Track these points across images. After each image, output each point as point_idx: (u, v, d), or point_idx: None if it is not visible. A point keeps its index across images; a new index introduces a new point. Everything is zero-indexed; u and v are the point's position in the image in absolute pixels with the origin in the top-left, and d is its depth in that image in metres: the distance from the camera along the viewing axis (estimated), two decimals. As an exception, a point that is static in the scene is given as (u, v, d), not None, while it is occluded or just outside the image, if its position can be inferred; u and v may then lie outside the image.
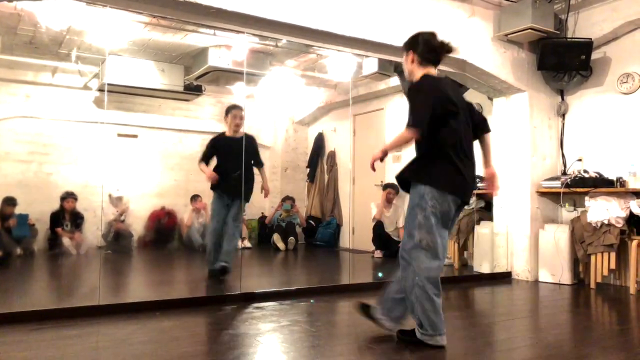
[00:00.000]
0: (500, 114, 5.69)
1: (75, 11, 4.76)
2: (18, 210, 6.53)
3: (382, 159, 2.92)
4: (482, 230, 5.76)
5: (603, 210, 4.78)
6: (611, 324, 3.90)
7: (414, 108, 2.83)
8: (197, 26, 5.08)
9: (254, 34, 4.38)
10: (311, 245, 8.31)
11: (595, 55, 5.24)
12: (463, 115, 2.93)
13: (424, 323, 2.83)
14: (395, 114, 7.28)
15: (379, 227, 7.05)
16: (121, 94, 7.17)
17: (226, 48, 6.11)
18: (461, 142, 2.89)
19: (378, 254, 7.02)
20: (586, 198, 4.97)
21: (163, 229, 7.62)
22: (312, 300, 4.22)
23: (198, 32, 5.67)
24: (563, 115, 5.63)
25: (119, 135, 7.54)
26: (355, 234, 7.83)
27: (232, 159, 4.85)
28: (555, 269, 5.16)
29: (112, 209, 7.09)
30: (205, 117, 8.30)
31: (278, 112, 8.88)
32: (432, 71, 2.96)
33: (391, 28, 4.59)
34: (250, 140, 5.04)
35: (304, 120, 9.11)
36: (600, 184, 4.95)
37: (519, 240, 5.48)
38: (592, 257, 4.91)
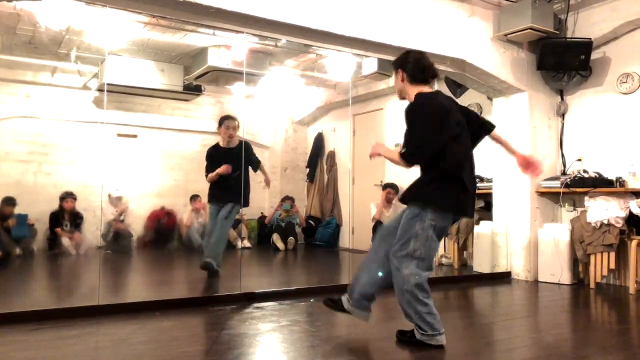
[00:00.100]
0: (500, 114, 5.69)
1: (74, 11, 4.76)
2: (17, 210, 6.53)
3: (380, 155, 2.98)
4: (481, 230, 5.76)
5: (602, 210, 4.78)
6: (611, 324, 3.90)
7: (414, 137, 2.82)
8: (197, 26, 5.08)
9: (253, 34, 4.37)
10: (311, 245, 8.31)
11: (594, 55, 5.24)
12: (461, 125, 2.92)
13: (421, 325, 2.84)
14: (394, 114, 7.28)
15: (378, 227, 7.04)
16: (121, 94, 7.16)
17: (225, 48, 6.10)
18: (464, 154, 2.90)
19: (378, 253, 7.01)
20: (586, 198, 4.98)
21: (162, 229, 7.61)
22: (311, 300, 4.22)
23: (197, 32, 5.66)
24: (563, 115, 5.63)
25: (119, 135, 7.53)
26: (355, 233, 7.82)
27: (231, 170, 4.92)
28: (555, 269, 5.16)
29: (112, 209, 7.09)
30: (205, 117, 8.29)
31: (277, 112, 8.88)
32: (425, 89, 2.92)
33: (391, 28, 4.59)
34: (246, 148, 5.09)
35: (304, 120, 9.11)
36: (599, 184, 4.95)
37: (518, 240, 5.48)
38: (592, 257, 4.91)
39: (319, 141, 8.84)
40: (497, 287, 5.12)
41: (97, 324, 3.34)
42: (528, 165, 3.14)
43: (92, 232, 6.98)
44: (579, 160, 5.42)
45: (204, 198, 7.35)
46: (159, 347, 2.93)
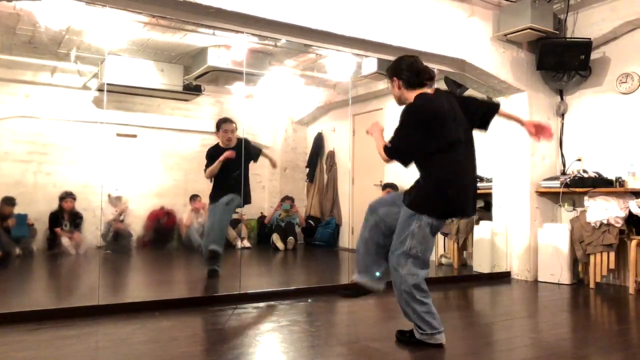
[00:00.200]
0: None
1: (74, 11, 4.76)
2: (17, 210, 6.53)
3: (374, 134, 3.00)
4: (481, 230, 5.76)
5: (602, 210, 4.78)
6: (610, 324, 3.90)
7: (400, 136, 2.85)
8: (197, 26, 5.07)
9: (253, 34, 4.37)
10: (310, 245, 8.31)
11: (594, 55, 5.25)
12: (462, 125, 2.91)
13: (420, 324, 2.85)
14: (394, 113, 7.26)
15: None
16: (120, 94, 7.16)
17: (225, 48, 6.10)
18: (463, 157, 2.89)
19: (377, 253, 7.01)
20: (585, 198, 4.98)
21: (162, 228, 7.61)
22: (309, 300, 4.22)
23: (197, 32, 5.66)
24: (562, 115, 5.63)
25: (118, 135, 7.53)
26: (355, 234, 7.82)
27: (229, 168, 4.93)
28: (555, 269, 5.16)
29: (111, 209, 7.09)
30: (205, 117, 8.29)
31: (277, 112, 8.88)
32: (424, 90, 2.90)
33: (390, 28, 4.59)
34: (245, 144, 5.08)
35: (303, 120, 9.10)
36: (599, 184, 4.95)
37: (518, 240, 5.48)
38: (592, 257, 4.91)
39: (319, 141, 8.84)
40: (496, 287, 5.12)
41: (96, 324, 3.34)
42: (538, 130, 3.09)
43: (92, 232, 6.98)
44: (579, 160, 5.43)
45: (204, 198, 7.39)
46: (158, 347, 2.93)
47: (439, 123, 2.79)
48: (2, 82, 6.95)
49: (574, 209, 5.40)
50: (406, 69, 2.91)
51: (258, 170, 8.10)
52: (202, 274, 5.13)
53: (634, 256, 4.60)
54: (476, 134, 3.08)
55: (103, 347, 2.95)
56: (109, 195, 7.11)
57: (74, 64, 6.59)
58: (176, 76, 6.88)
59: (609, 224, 4.75)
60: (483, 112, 3.07)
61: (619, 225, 4.71)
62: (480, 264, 5.70)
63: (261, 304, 3.97)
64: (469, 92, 5.86)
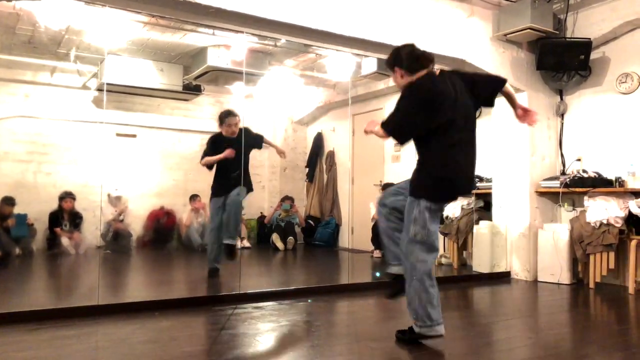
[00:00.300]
0: (500, 114, 5.69)
1: (74, 11, 4.75)
2: (17, 210, 6.53)
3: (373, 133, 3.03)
4: (481, 230, 5.76)
5: (602, 210, 4.79)
6: (610, 324, 3.90)
7: (396, 113, 2.90)
8: (196, 26, 5.08)
9: (253, 34, 4.38)
10: (310, 245, 8.31)
11: (594, 55, 5.25)
12: (463, 107, 2.94)
13: (421, 314, 2.88)
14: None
15: (378, 227, 7.04)
16: (120, 94, 7.16)
17: (225, 48, 6.10)
18: (460, 140, 2.93)
19: (377, 253, 7.02)
20: (585, 198, 4.98)
21: (162, 228, 7.61)
22: (309, 300, 4.22)
23: (197, 32, 5.66)
24: (562, 115, 5.64)
25: (118, 135, 7.53)
26: (354, 233, 7.83)
27: (231, 162, 4.89)
28: (554, 269, 5.16)
29: (111, 209, 7.09)
30: (204, 116, 8.28)
31: (277, 112, 8.87)
32: (422, 73, 2.94)
33: (390, 28, 4.59)
34: (246, 133, 5.06)
35: (303, 120, 9.10)
36: (599, 184, 4.95)
37: (518, 239, 5.48)
38: (591, 257, 4.91)
39: (319, 141, 8.84)
40: (496, 287, 5.12)
41: (96, 324, 3.34)
42: (525, 115, 3.15)
43: (92, 231, 6.97)
44: (579, 160, 5.43)
45: (204, 198, 7.39)
46: (158, 347, 2.93)
47: (438, 102, 2.84)
48: (1, 82, 6.95)
49: (573, 209, 5.39)
50: (405, 56, 2.96)
51: (258, 170, 8.10)
52: (202, 274, 5.13)
53: (633, 256, 4.60)
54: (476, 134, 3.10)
55: (103, 347, 2.95)
56: (109, 195, 7.11)
57: (73, 63, 6.58)
58: (176, 76, 6.87)
59: (608, 224, 4.75)
60: (490, 91, 3.11)
61: (618, 225, 4.71)
62: (480, 264, 5.70)
63: (261, 304, 3.97)
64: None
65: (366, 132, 3.07)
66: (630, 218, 4.72)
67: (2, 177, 6.88)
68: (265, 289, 4.49)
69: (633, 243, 4.62)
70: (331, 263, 7.08)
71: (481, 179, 5.90)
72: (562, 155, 5.60)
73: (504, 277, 5.47)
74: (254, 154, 5.34)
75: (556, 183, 5.26)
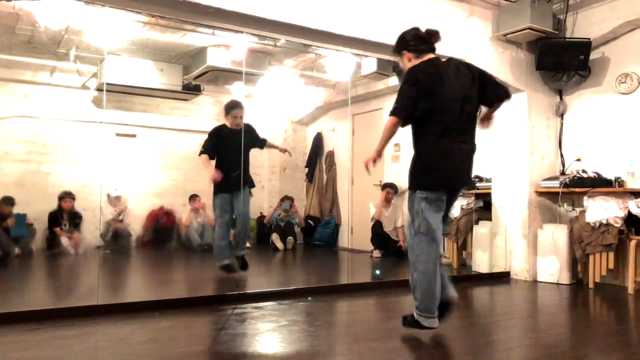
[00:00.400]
0: (499, 114, 5.68)
1: (73, 10, 4.75)
2: (16, 209, 6.52)
3: (375, 160, 3.03)
4: (480, 229, 5.76)
5: (601, 210, 4.79)
6: (609, 324, 3.90)
7: (399, 93, 2.97)
8: (196, 26, 5.08)
9: (252, 34, 4.38)
10: (310, 245, 8.31)
11: (593, 55, 5.25)
12: (460, 97, 2.97)
13: (420, 305, 2.96)
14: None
15: (377, 227, 7.05)
16: (120, 94, 7.16)
17: (225, 48, 6.10)
18: (453, 129, 2.96)
19: (377, 253, 7.03)
20: (585, 198, 4.98)
21: (161, 228, 7.61)
22: (309, 298, 4.23)
23: (197, 32, 5.66)
24: (562, 115, 5.64)
25: (118, 134, 7.53)
26: (354, 233, 7.83)
27: (235, 150, 4.86)
28: (554, 269, 5.16)
29: (111, 209, 7.08)
30: (204, 116, 8.28)
31: (277, 112, 8.88)
32: (430, 56, 3.03)
33: (390, 28, 4.57)
34: (248, 130, 5.06)
35: (303, 120, 9.10)
36: (598, 184, 4.95)
37: (517, 239, 5.48)
38: (591, 257, 4.91)
39: (318, 141, 8.84)
40: (496, 287, 5.12)
41: (96, 324, 3.34)
42: (486, 122, 3.24)
43: (91, 231, 6.97)
44: (578, 160, 5.43)
45: (203, 198, 7.40)
46: (158, 347, 2.93)
47: (431, 84, 2.90)
48: (1, 81, 6.95)
49: (573, 209, 5.40)
50: (412, 39, 3.05)
51: (258, 170, 8.10)
52: (201, 274, 5.13)
53: (633, 256, 4.61)
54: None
55: (102, 347, 2.95)
56: (108, 195, 7.10)
57: (73, 63, 6.58)
58: (175, 76, 6.87)
59: (608, 224, 4.75)
60: (495, 97, 3.17)
61: (618, 225, 4.71)
62: (480, 264, 5.71)
63: (260, 304, 3.97)
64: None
65: (366, 165, 3.05)
66: (630, 218, 4.72)
67: (2, 177, 6.88)
68: (265, 289, 4.49)
69: (632, 243, 4.62)
70: (331, 263, 7.09)
71: (481, 179, 5.90)
72: (561, 155, 5.61)
73: (503, 277, 5.48)
74: (254, 153, 5.34)
75: (556, 183, 5.27)
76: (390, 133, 2.97)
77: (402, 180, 6.87)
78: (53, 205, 6.90)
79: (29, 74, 7.10)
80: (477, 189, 5.87)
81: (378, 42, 4.58)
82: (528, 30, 5.00)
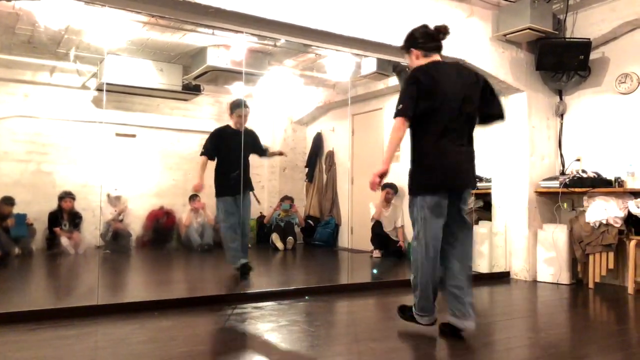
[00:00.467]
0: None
1: (73, 10, 4.75)
2: (16, 209, 6.53)
3: (383, 176, 3.00)
4: (480, 229, 5.76)
5: (601, 210, 4.79)
6: (609, 324, 3.90)
7: (401, 93, 2.98)
8: (196, 26, 5.08)
9: (252, 34, 4.37)
10: (310, 245, 8.31)
11: (593, 55, 5.25)
12: (458, 100, 2.97)
13: (417, 304, 3.04)
14: (393, 113, 7.27)
15: (377, 227, 7.05)
16: (119, 94, 7.16)
17: (225, 48, 6.10)
18: (451, 129, 2.96)
19: (377, 253, 7.03)
20: (584, 198, 4.98)
21: (161, 228, 7.61)
22: (306, 297, 4.23)
23: (197, 32, 5.66)
24: (561, 115, 5.64)
25: (117, 134, 7.53)
26: (354, 233, 7.83)
27: (237, 152, 4.87)
28: (554, 269, 5.16)
29: (111, 209, 7.09)
30: (204, 116, 8.29)
31: (276, 112, 8.88)
32: (435, 58, 3.05)
33: (390, 28, 4.59)
34: (251, 134, 5.07)
35: (303, 120, 9.10)
36: (598, 184, 4.95)
37: (517, 240, 5.48)
38: (591, 257, 4.91)
39: (318, 141, 8.84)
40: (495, 287, 5.12)
41: (95, 324, 3.34)
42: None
43: (91, 231, 6.97)
44: (578, 160, 5.43)
45: (203, 198, 7.40)
46: (157, 347, 2.93)
47: (434, 84, 2.91)
48: (1, 81, 6.95)
49: (573, 209, 5.40)
50: (420, 37, 3.06)
51: (257, 170, 8.11)
52: (201, 274, 5.13)
53: (633, 256, 4.61)
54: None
55: (102, 347, 2.94)
56: (108, 195, 7.11)
57: (73, 63, 6.58)
58: (175, 76, 6.87)
59: (608, 224, 4.76)
60: (488, 113, 3.14)
61: (618, 225, 4.71)
62: (480, 264, 5.70)
63: (260, 304, 3.97)
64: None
65: (372, 186, 3.04)
66: (630, 218, 4.72)
67: (2, 176, 6.88)
68: (265, 289, 4.49)
69: (632, 243, 4.62)
70: (331, 263, 7.09)
71: (480, 179, 5.90)
72: (561, 155, 5.61)
73: (503, 277, 5.48)
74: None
75: (555, 183, 5.27)
76: (399, 136, 2.94)
77: (402, 181, 6.86)
78: (53, 205, 6.90)
79: (29, 74, 7.10)
80: (477, 189, 5.86)
81: (378, 42, 4.58)
82: (528, 31, 5.00)
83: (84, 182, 7.21)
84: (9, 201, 6.48)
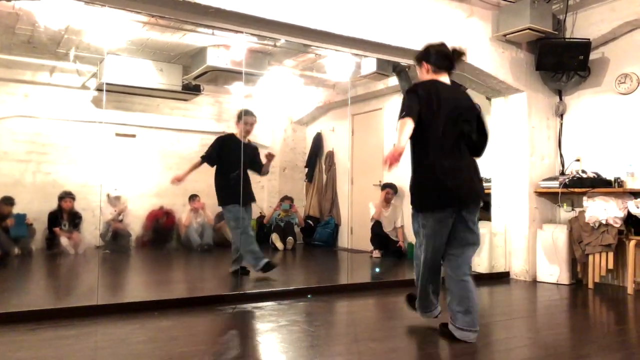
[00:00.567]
0: (499, 114, 5.70)
1: (73, 10, 4.75)
2: (16, 209, 6.53)
3: (398, 156, 2.78)
4: (480, 230, 5.75)
5: (601, 210, 4.79)
6: (609, 324, 3.91)
7: (401, 107, 2.99)
8: (196, 26, 5.07)
9: (252, 34, 4.37)
10: (309, 245, 8.31)
11: (593, 55, 5.25)
12: (453, 114, 2.98)
13: (418, 302, 3.21)
14: (393, 113, 7.28)
15: (377, 227, 7.06)
16: (119, 94, 7.16)
17: (225, 48, 6.10)
18: (448, 145, 2.96)
19: (376, 253, 7.03)
20: (584, 198, 4.98)
21: (161, 228, 7.61)
22: (309, 296, 4.23)
23: (196, 32, 5.66)
24: (561, 116, 5.64)
25: (117, 134, 7.53)
26: (354, 233, 7.83)
27: (229, 168, 4.93)
28: (553, 269, 5.16)
29: (110, 209, 7.09)
30: (204, 116, 8.29)
31: (276, 112, 8.88)
32: (443, 77, 3.10)
33: (389, 28, 4.59)
34: (252, 149, 5.10)
35: (303, 120, 9.11)
36: (598, 184, 4.96)
37: (517, 240, 5.48)
38: (590, 257, 4.91)
39: (318, 141, 8.84)
40: (495, 287, 5.12)
41: (95, 324, 3.34)
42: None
43: (91, 231, 6.98)
44: (578, 160, 5.43)
45: (203, 198, 7.41)
46: (157, 347, 2.93)
47: (431, 97, 2.94)
48: (1, 81, 6.95)
49: (572, 209, 5.40)
50: (435, 54, 3.11)
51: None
52: (201, 274, 5.13)
53: (632, 256, 4.61)
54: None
55: (102, 347, 2.94)
56: (108, 195, 7.11)
57: (73, 63, 6.58)
58: (175, 76, 6.87)
59: (607, 224, 4.76)
60: (472, 140, 3.10)
61: (617, 225, 4.72)
62: (479, 264, 5.70)
63: (260, 304, 3.97)
64: (468, 93, 5.86)
65: (390, 159, 2.78)
66: (629, 218, 4.72)
67: (2, 176, 6.88)
68: (265, 289, 4.49)
69: (632, 243, 4.63)
70: (330, 263, 7.09)
71: (481, 180, 5.89)
72: (561, 155, 5.61)
73: (503, 278, 5.48)
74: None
75: (555, 183, 5.27)
76: (409, 127, 2.84)
77: (401, 181, 6.88)
78: (53, 205, 6.90)
79: (29, 74, 7.10)
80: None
81: (378, 42, 4.58)
82: (528, 31, 5.00)
83: (83, 182, 7.21)
84: (9, 201, 6.48)
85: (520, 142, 5.48)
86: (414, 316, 3.32)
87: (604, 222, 4.77)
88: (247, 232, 5.00)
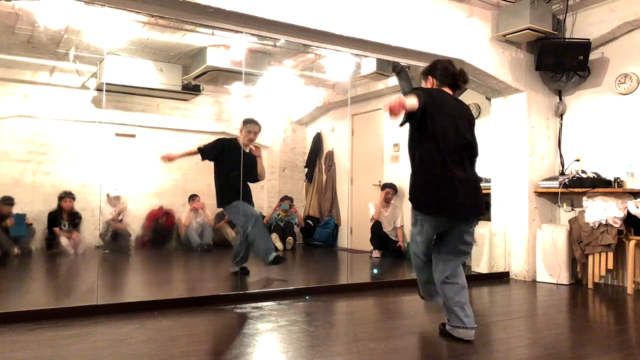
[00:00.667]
0: (499, 114, 5.70)
1: (73, 10, 4.76)
2: (16, 209, 6.53)
3: (400, 110, 2.67)
4: (480, 230, 5.75)
5: (601, 210, 4.79)
6: (609, 324, 3.91)
7: (414, 92, 3.01)
8: (196, 26, 5.08)
9: (252, 34, 4.37)
10: (309, 245, 8.31)
11: (593, 55, 5.26)
12: (455, 125, 3.00)
13: (420, 289, 3.43)
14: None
15: (377, 227, 7.06)
16: (119, 94, 7.16)
17: (224, 48, 6.10)
18: (453, 151, 2.96)
19: (376, 253, 7.03)
20: (584, 198, 4.98)
21: (161, 228, 7.61)
22: (307, 297, 4.23)
23: (196, 32, 5.66)
24: (561, 116, 5.64)
25: (117, 134, 7.53)
26: (354, 233, 7.83)
27: (238, 166, 4.89)
28: (553, 269, 5.17)
29: (110, 209, 7.09)
30: (204, 116, 8.30)
31: (276, 112, 8.88)
32: (446, 88, 3.16)
33: (389, 28, 4.59)
34: (252, 158, 5.10)
35: (302, 120, 9.11)
36: (598, 184, 4.96)
37: (516, 240, 5.48)
38: (590, 257, 4.91)
39: (318, 141, 8.84)
40: (495, 287, 5.13)
41: (95, 324, 3.34)
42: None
43: (91, 231, 6.98)
44: (578, 160, 5.43)
45: (203, 198, 7.41)
46: (157, 347, 2.93)
47: (438, 102, 2.98)
48: (1, 81, 6.95)
49: (572, 209, 5.40)
50: (441, 70, 3.19)
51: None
52: (200, 274, 5.13)
53: (632, 256, 4.61)
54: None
55: (102, 347, 2.94)
56: (108, 195, 7.11)
57: (72, 63, 6.59)
58: (175, 76, 6.87)
59: (607, 224, 4.76)
60: (474, 151, 3.13)
61: (617, 225, 4.72)
62: (479, 264, 5.71)
63: (260, 304, 3.97)
64: (468, 93, 5.87)
65: (395, 108, 2.63)
66: (629, 218, 4.72)
67: (1, 176, 6.88)
68: (265, 289, 4.49)
69: (631, 243, 4.63)
70: (330, 263, 7.09)
71: (480, 179, 5.90)
72: (561, 155, 5.61)
73: (502, 278, 5.48)
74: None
75: (555, 183, 5.27)
76: (412, 100, 2.79)
77: (401, 181, 6.88)
78: (53, 205, 6.90)
79: (29, 74, 7.10)
80: (477, 191, 5.86)
81: (377, 43, 4.58)
82: (528, 31, 5.00)
83: (83, 182, 7.22)
84: (9, 201, 6.48)
85: (520, 142, 5.48)
86: (413, 316, 3.32)
87: (603, 222, 4.77)
88: (259, 224, 4.96)
